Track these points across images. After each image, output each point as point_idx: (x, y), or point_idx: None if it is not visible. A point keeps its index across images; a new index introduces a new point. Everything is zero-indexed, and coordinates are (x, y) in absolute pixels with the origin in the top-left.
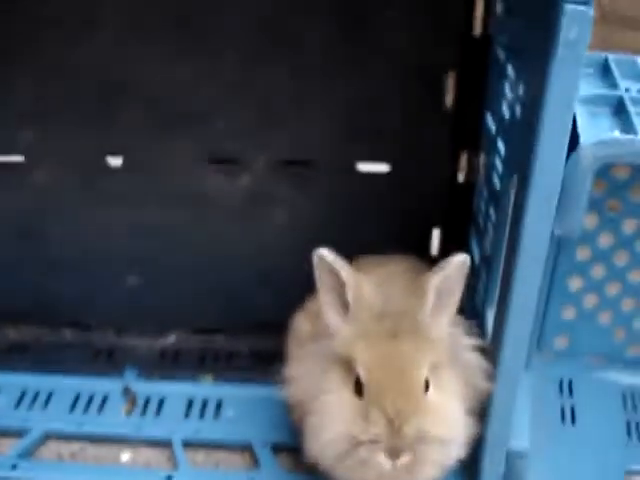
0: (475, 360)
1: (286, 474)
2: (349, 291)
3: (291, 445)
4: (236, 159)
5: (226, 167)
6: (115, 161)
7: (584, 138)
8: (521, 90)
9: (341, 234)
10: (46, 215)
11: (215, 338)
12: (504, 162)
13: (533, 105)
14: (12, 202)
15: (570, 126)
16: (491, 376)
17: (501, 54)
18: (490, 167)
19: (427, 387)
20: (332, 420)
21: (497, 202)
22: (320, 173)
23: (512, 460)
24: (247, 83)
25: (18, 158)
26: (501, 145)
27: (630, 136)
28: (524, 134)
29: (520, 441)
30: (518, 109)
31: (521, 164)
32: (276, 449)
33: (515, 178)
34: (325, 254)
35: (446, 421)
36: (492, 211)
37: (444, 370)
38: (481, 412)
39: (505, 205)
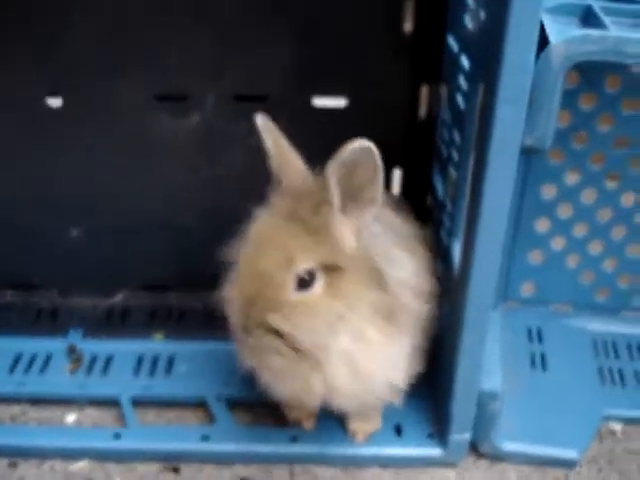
0: (405, 275)
1: (242, 429)
2: (272, 160)
3: (246, 399)
4: (186, 95)
5: (175, 105)
6: (55, 101)
7: (554, 38)
8: None
9: None
10: None
11: (166, 295)
12: (468, 78)
13: (498, 3)
14: None
15: (539, 22)
16: (427, 297)
17: None
18: (453, 92)
19: (305, 285)
20: None
21: (461, 124)
22: (275, 109)
23: (484, 402)
24: (197, 14)
25: None
26: (465, 61)
27: (602, 31)
28: (490, 40)
29: (492, 382)
30: (483, 14)
31: (487, 73)
32: (231, 404)
33: (481, 89)
34: (259, 119)
35: (315, 328)
36: (456, 135)
37: (347, 278)
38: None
39: (471, 122)
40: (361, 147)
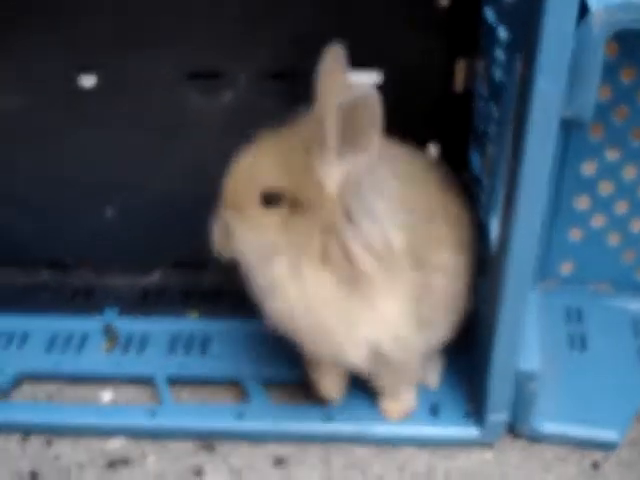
0: (392, 242)
1: (278, 408)
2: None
3: (281, 379)
4: (218, 73)
5: (207, 82)
6: (87, 81)
7: (594, 6)
8: None
9: None
10: (13, 144)
11: (201, 274)
12: (506, 50)
13: None
14: None
15: None
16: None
17: None
18: (490, 64)
19: (268, 203)
20: None
21: (499, 97)
22: (308, 85)
23: (521, 382)
24: None
25: None
26: (502, 33)
27: None
28: (528, 9)
29: (530, 362)
30: None
31: (526, 43)
32: (266, 383)
33: (519, 61)
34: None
35: (254, 245)
36: (494, 109)
37: (310, 218)
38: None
39: (508, 95)
40: (363, 92)
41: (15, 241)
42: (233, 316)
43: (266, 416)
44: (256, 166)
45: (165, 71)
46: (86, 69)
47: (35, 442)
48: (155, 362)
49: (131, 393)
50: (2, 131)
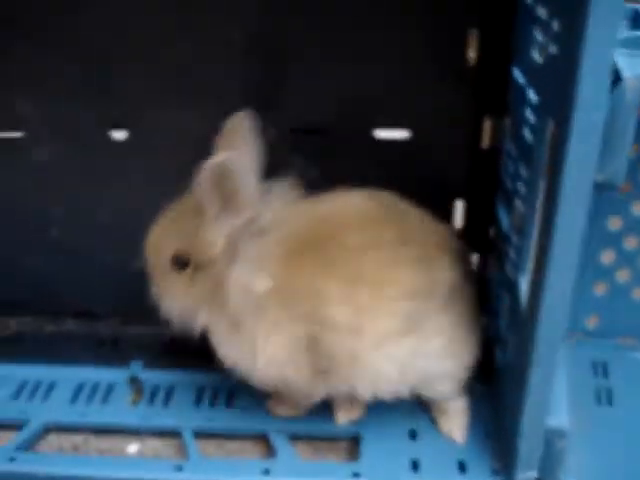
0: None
1: (303, 463)
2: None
3: (308, 433)
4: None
5: None
6: (119, 134)
7: (627, 72)
8: (556, 26)
9: None
10: (47, 195)
11: None
12: (536, 111)
13: (571, 38)
14: (10, 182)
15: (613, 57)
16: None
17: None
18: (518, 124)
19: (178, 267)
20: None
21: (529, 157)
22: (335, 141)
23: (550, 439)
24: (254, 46)
25: (17, 134)
26: (532, 95)
27: None
28: (561, 74)
29: (559, 419)
30: (553, 49)
31: (558, 107)
32: (292, 438)
33: (551, 123)
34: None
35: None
36: (523, 168)
37: (207, 274)
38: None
39: (540, 157)
40: (219, 163)
41: (44, 289)
42: None
43: (292, 472)
44: (163, 236)
45: (194, 127)
46: (118, 124)
47: None
48: (181, 415)
49: (157, 445)
50: (36, 180)
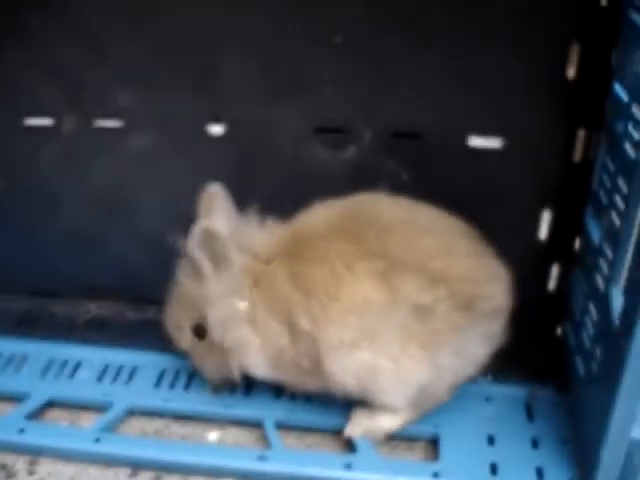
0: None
1: (384, 460)
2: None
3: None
4: (343, 129)
5: (332, 137)
6: (216, 129)
7: None
8: None
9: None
10: (140, 183)
11: None
12: None
13: None
14: (107, 168)
15: None
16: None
17: (636, 16)
18: (618, 138)
19: (199, 334)
20: None
21: (629, 173)
22: (429, 147)
23: (632, 451)
24: (358, 50)
25: (115, 123)
26: (637, 111)
27: None
28: None
29: None
30: None
31: None
32: None
33: None
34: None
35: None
36: (622, 183)
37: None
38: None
39: None
40: (201, 229)
41: (126, 276)
42: None
43: (374, 469)
44: (177, 315)
45: (293, 124)
46: (215, 119)
47: (144, 477)
48: (262, 406)
49: (237, 434)
50: (131, 168)
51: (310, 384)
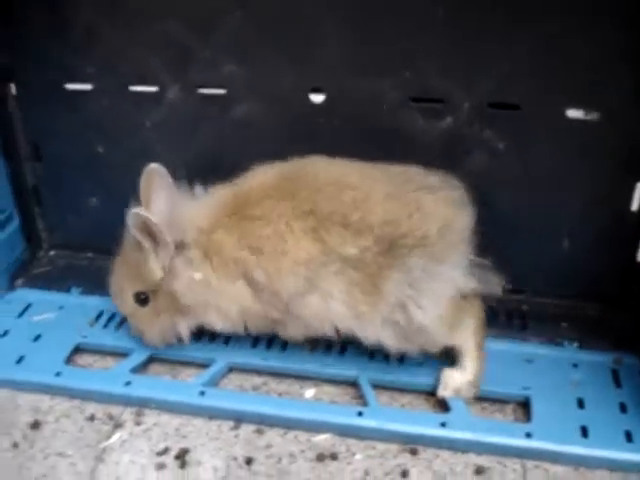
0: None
1: (478, 420)
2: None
3: (482, 394)
4: (442, 99)
5: (430, 107)
6: (317, 98)
7: None
8: None
9: (536, 185)
10: (242, 151)
11: None
12: None
13: None
14: (212, 135)
15: None
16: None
17: None
18: None
19: (141, 302)
20: None
21: None
22: (527, 118)
23: None
24: (460, 23)
25: (220, 91)
26: None
27: None
28: None
29: None
30: None
31: None
32: None
33: None
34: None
35: (139, 328)
36: None
37: (160, 297)
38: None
39: None
40: (135, 213)
41: None
42: None
43: (467, 427)
44: (120, 282)
45: (392, 93)
46: (317, 89)
47: (246, 430)
48: (357, 365)
49: (333, 392)
50: (234, 135)
51: (290, 331)
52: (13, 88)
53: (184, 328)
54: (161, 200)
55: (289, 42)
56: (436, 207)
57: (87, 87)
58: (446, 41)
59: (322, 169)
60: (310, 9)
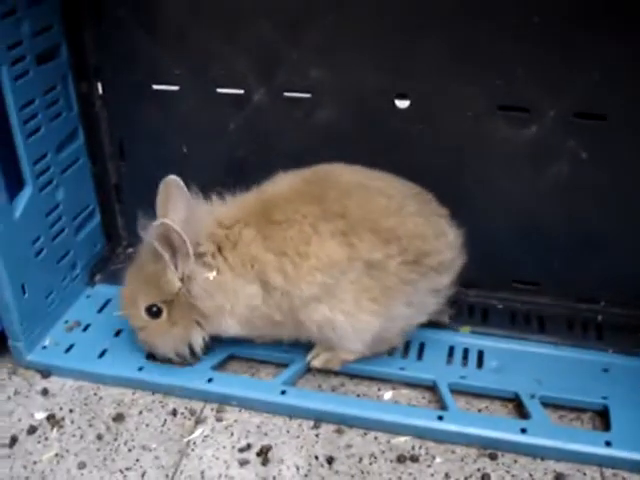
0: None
1: (556, 427)
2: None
3: (557, 401)
4: (528, 108)
5: (515, 116)
6: (402, 103)
7: None
8: None
9: (619, 195)
10: (324, 154)
11: (469, 292)
12: None
13: None
14: (296, 138)
15: None
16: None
17: None
18: None
19: (153, 314)
20: None
21: None
22: (614, 129)
23: None
24: (553, 31)
25: (305, 95)
26: None
27: None
28: None
29: None
30: None
31: None
32: (542, 403)
33: None
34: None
35: (154, 343)
36: None
37: (177, 307)
38: None
39: None
40: (161, 223)
41: None
42: (502, 334)
43: (547, 434)
44: (133, 295)
45: (477, 101)
46: (402, 94)
47: (327, 429)
48: (435, 369)
49: (411, 395)
50: (319, 140)
51: (280, 334)
52: (100, 87)
53: (198, 339)
54: (179, 211)
55: (378, 47)
56: (455, 239)
57: (174, 88)
58: (539, 49)
59: (348, 174)
60: (405, 16)
